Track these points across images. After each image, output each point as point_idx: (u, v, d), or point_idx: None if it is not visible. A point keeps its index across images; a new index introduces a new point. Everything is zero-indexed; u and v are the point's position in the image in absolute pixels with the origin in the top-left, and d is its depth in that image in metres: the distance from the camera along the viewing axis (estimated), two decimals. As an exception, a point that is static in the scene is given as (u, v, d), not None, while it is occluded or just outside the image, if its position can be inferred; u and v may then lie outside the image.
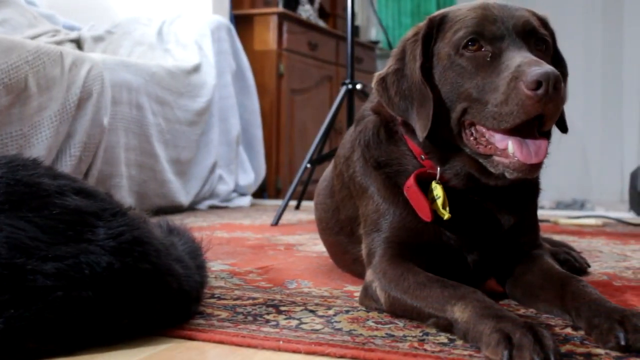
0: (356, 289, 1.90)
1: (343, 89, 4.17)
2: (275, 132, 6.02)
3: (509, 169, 1.51)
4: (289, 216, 4.22)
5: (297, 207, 4.79)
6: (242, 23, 5.97)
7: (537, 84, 1.41)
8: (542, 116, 1.47)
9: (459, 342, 1.37)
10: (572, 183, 8.01)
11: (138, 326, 1.38)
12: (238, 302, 1.72)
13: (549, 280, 1.63)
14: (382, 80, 1.69)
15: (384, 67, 1.73)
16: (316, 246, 2.80)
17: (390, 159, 1.75)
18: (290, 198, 3.96)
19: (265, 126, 5.73)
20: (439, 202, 1.65)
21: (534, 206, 1.81)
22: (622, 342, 1.30)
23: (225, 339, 1.39)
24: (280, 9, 6.14)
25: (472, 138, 1.58)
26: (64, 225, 1.31)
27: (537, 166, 1.50)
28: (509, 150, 1.51)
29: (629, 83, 7.91)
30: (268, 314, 1.60)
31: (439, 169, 1.67)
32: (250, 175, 5.37)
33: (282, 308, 1.66)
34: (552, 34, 1.69)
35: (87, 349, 1.31)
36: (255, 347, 1.36)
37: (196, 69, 4.71)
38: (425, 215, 1.64)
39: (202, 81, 4.73)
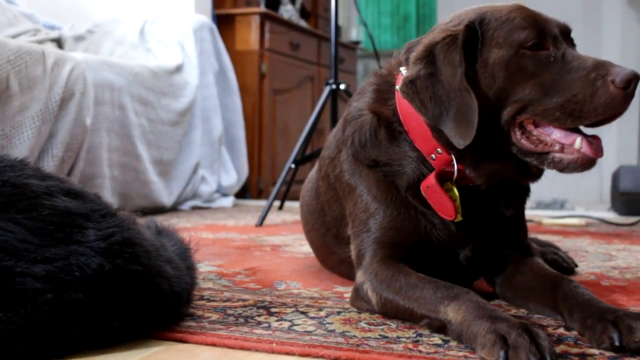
0: (346, 290, 1.89)
1: (327, 89, 4.16)
2: (257, 133, 6.00)
3: (575, 163, 1.51)
4: (273, 216, 4.21)
5: (281, 207, 4.77)
6: (224, 23, 5.94)
7: (628, 83, 1.44)
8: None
9: (454, 343, 1.37)
10: (551, 183, 8.05)
11: (129, 329, 1.36)
12: (228, 303, 1.71)
13: (540, 280, 1.63)
14: (412, 83, 1.60)
15: (410, 71, 1.63)
16: (302, 247, 2.79)
17: (391, 159, 1.71)
18: (274, 199, 3.94)
19: (247, 126, 5.71)
20: (456, 204, 1.63)
21: (523, 207, 1.81)
22: (617, 343, 1.30)
23: (217, 342, 1.38)
24: (262, 8, 6.11)
25: (523, 138, 1.55)
26: (53, 226, 1.29)
27: (595, 162, 1.53)
28: (576, 145, 1.51)
29: (608, 83, 7.96)
30: (259, 315, 1.58)
31: (455, 168, 1.63)
32: (233, 175, 5.34)
33: (273, 310, 1.64)
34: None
35: (77, 353, 1.29)
36: (248, 349, 1.35)
37: (179, 69, 4.68)
38: (448, 214, 1.62)
39: (184, 81, 4.70)
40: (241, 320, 1.54)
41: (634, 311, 1.37)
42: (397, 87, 1.68)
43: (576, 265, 2.24)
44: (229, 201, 5.19)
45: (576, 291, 1.50)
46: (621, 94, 1.44)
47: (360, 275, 1.66)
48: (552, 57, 1.53)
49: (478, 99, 1.53)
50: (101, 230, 1.33)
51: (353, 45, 8.13)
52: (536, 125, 1.54)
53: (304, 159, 4.20)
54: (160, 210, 4.45)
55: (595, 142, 1.52)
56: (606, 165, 7.93)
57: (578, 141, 1.51)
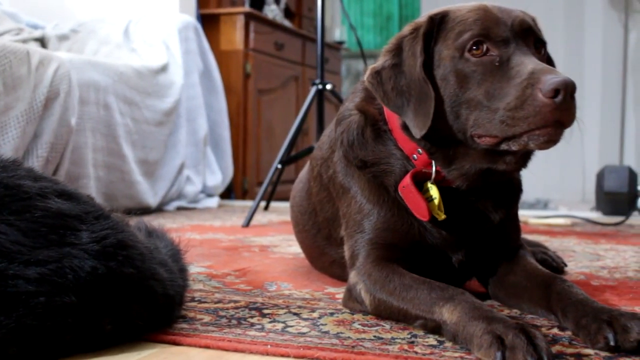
0: (337, 291, 1.88)
1: (313, 89, 4.15)
2: (242, 133, 5.98)
3: (535, 135, 1.45)
4: (259, 217, 4.19)
5: (266, 207, 4.76)
6: (208, 22, 5.91)
7: (555, 92, 1.40)
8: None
9: (449, 344, 1.37)
10: (534, 183, 8.09)
11: (122, 332, 1.35)
12: (220, 305, 1.70)
13: (533, 280, 1.64)
14: (377, 73, 1.65)
15: (378, 62, 1.68)
16: (291, 247, 2.78)
17: (378, 158, 1.72)
18: (262, 199, 3.92)
19: (231, 127, 5.69)
20: (435, 202, 1.63)
21: (516, 206, 1.81)
22: (612, 343, 1.30)
23: (211, 344, 1.37)
24: (247, 8, 6.10)
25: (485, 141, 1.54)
26: (47, 228, 1.27)
27: (561, 131, 1.47)
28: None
29: (589, 84, 8.00)
30: (252, 317, 1.57)
31: (433, 169, 1.64)
32: (218, 175, 5.32)
33: (266, 311, 1.63)
34: (541, 32, 1.69)
35: (70, 356, 1.27)
36: (242, 351, 1.34)
37: (164, 68, 4.66)
38: (422, 214, 1.62)
39: (169, 81, 4.67)
40: (234, 321, 1.53)
41: (629, 311, 1.37)
42: (364, 78, 1.69)
43: (565, 265, 2.25)
44: (214, 202, 5.17)
45: (570, 291, 1.50)
46: (550, 103, 1.40)
47: (353, 276, 1.66)
48: (497, 62, 1.52)
49: (436, 93, 1.56)
50: (95, 233, 1.32)
51: (337, 46, 8.13)
52: None
53: (291, 159, 4.19)
54: (146, 211, 4.42)
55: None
56: (589, 166, 7.99)
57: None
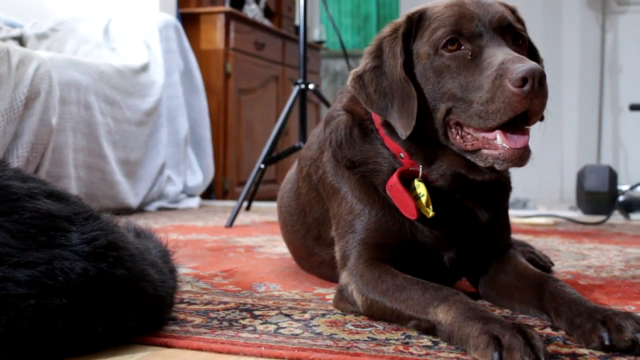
0: (327, 292, 1.87)
1: (295, 89, 4.13)
2: (222, 133, 5.95)
3: (499, 159, 1.49)
4: (241, 217, 4.17)
5: (248, 208, 4.73)
6: (188, 22, 5.87)
7: (523, 81, 1.41)
8: (527, 112, 1.46)
9: (444, 345, 1.36)
10: (513, 182, 8.12)
11: (113, 334, 1.32)
12: (209, 306, 1.68)
13: (525, 280, 1.63)
14: (359, 77, 1.66)
15: (359, 66, 1.70)
16: (276, 248, 2.77)
17: (366, 157, 1.72)
18: (244, 199, 3.90)
19: (212, 126, 5.65)
20: (423, 200, 1.63)
21: (505, 205, 1.81)
22: (607, 342, 1.30)
23: (203, 346, 1.35)
24: (228, 7, 6.07)
25: (458, 137, 1.56)
26: (36, 230, 1.25)
27: (526, 155, 1.49)
28: (497, 141, 1.49)
29: (567, 85, 8.06)
30: (243, 318, 1.56)
31: (421, 167, 1.65)
32: (199, 175, 5.29)
33: (257, 312, 1.62)
34: (523, 24, 1.69)
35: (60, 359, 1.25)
36: (236, 353, 1.32)
37: (145, 68, 4.62)
38: (410, 213, 1.62)
39: (150, 80, 4.63)
40: (225, 323, 1.51)
41: (622, 310, 1.37)
42: (348, 82, 1.69)
43: (553, 264, 2.26)
44: (195, 202, 5.13)
45: (563, 290, 1.50)
46: (518, 92, 1.41)
47: (345, 277, 1.64)
48: (470, 56, 1.53)
49: (418, 92, 1.57)
50: (85, 234, 1.30)
51: (317, 45, 8.12)
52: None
53: (274, 159, 4.17)
54: (127, 211, 4.37)
55: (514, 136, 1.49)
56: (567, 165, 8.06)
57: (498, 137, 1.50)
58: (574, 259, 2.54)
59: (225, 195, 5.97)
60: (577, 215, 4.52)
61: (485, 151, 1.52)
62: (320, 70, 8.36)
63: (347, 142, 1.75)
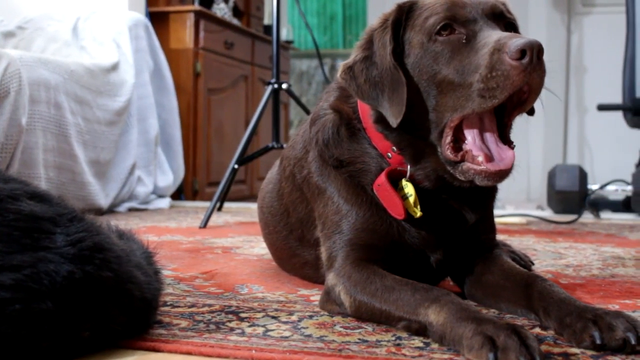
0: (311, 293, 1.85)
1: (268, 89, 4.11)
2: (192, 133, 5.88)
3: (480, 175, 1.50)
4: (214, 218, 4.12)
5: (220, 208, 4.69)
6: (157, 21, 5.79)
7: (521, 53, 1.39)
8: (524, 94, 1.47)
9: (435, 346, 1.35)
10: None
11: (100, 338, 1.29)
12: (194, 309, 1.65)
13: (512, 280, 1.63)
14: (350, 69, 1.65)
15: (349, 58, 1.69)
16: (253, 249, 2.74)
17: (353, 157, 1.71)
18: (218, 200, 3.87)
19: (181, 126, 5.58)
20: (411, 200, 1.62)
21: (491, 206, 1.81)
22: (598, 341, 1.30)
23: (193, 350, 1.32)
24: (197, 6, 6.00)
25: (448, 140, 1.54)
26: (19, 232, 1.21)
27: (506, 173, 1.50)
28: (479, 159, 1.50)
29: (534, 84, 8.13)
30: (230, 321, 1.53)
31: (409, 167, 1.64)
32: (169, 176, 5.23)
33: (243, 315, 1.59)
34: (514, 17, 1.69)
35: (46, 365, 1.21)
36: (226, 357, 1.30)
37: (115, 67, 4.55)
38: (397, 213, 1.61)
39: (121, 80, 4.56)
40: (212, 326, 1.49)
41: (613, 310, 1.38)
42: (338, 76, 1.68)
43: (533, 264, 2.27)
44: (165, 202, 5.07)
45: (551, 290, 1.50)
46: (517, 65, 1.40)
47: (332, 278, 1.63)
48: (464, 39, 1.52)
49: (410, 83, 1.56)
50: (70, 235, 1.26)
51: (286, 45, 8.09)
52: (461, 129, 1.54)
53: (247, 159, 4.14)
54: (97, 212, 4.31)
55: (495, 155, 1.51)
56: (533, 165, 8.13)
57: (480, 157, 1.50)
58: (552, 258, 2.55)
59: (195, 195, 5.92)
60: (548, 214, 4.56)
61: (466, 165, 1.52)
62: (289, 70, 8.34)
63: (334, 141, 1.73)
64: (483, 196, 1.75)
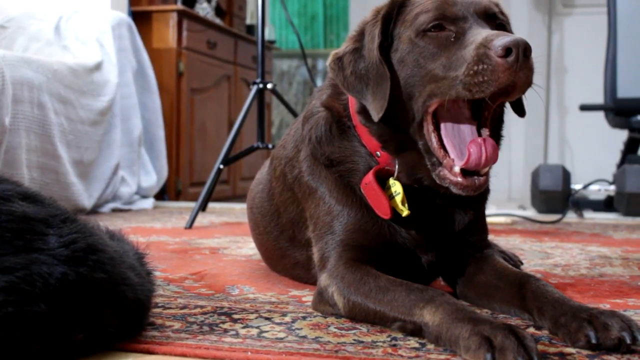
0: (302, 294, 1.84)
1: (254, 89, 4.09)
2: (175, 133, 5.85)
3: (456, 187, 1.52)
4: (199, 218, 4.09)
5: (204, 209, 4.66)
6: (140, 20, 5.75)
7: (507, 51, 1.39)
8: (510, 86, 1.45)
9: (431, 346, 1.34)
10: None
11: (93, 341, 1.27)
12: (186, 311, 1.64)
13: (505, 280, 1.63)
14: (339, 59, 1.66)
15: (340, 48, 1.71)
16: (241, 250, 2.73)
17: (344, 155, 1.71)
18: (203, 200, 3.84)
19: (164, 127, 5.55)
20: (398, 198, 1.62)
21: (483, 206, 1.81)
22: (593, 341, 1.30)
23: (187, 352, 1.31)
24: (180, 6, 5.97)
25: (434, 134, 1.54)
26: (11, 233, 1.19)
27: (481, 185, 1.52)
28: (455, 169, 1.51)
29: (515, 85, 8.17)
30: (223, 322, 1.52)
31: (397, 166, 1.64)
32: (153, 176, 5.20)
33: (235, 316, 1.58)
34: (507, 19, 1.69)
35: (39, 369, 1.20)
36: (222, 359, 1.29)
37: (98, 66, 4.51)
38: (384, 212, 1.61)
39: (104, 79, 4.53)
40: (206, 328, 1.47)
41: (607, 309, 1.38)
42: (327, 63, 1.70)
43: (522, 263, 2.27)
44: (149, 203, 5.04)
45: (545, 289, 1.50)
46: (502, 62, 1.40)
47: (325, 279, 1.62)
48: (453, 37, 1.52)
49: (392, 77, 1.57)
50: (63, 237, 1.24)
51: (269, 45, 8.07)
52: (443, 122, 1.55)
53: (232, 159, 4.12)
54: (80, 213, 4.26)
55: (474, 158, 1.50)
56: (515, 165, 8.17)
57: (456, 167, 1.51)
58: (539, 257, 2.56)
59: (178, 196, 5.89)
60: (532, 214, 4.58)
61: (443, 172, 1.53)
62: (272, 70, 8.32)
63: (326, 139, 1.74)
64: (475, 198, 1.75)
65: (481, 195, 1.78)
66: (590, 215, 4.59)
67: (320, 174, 1.73)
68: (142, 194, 5.10)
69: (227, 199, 6.42)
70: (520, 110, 1.76)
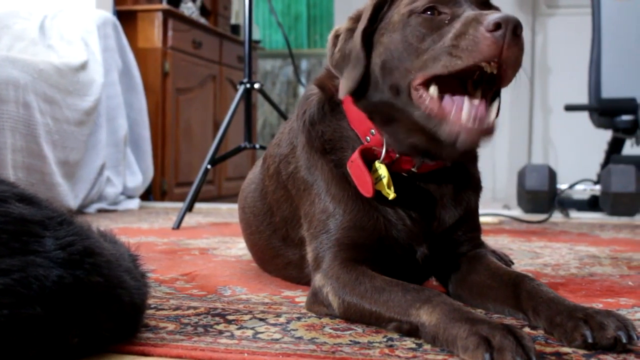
0: (295, 294, 1.84)
1: (241, 89, 4.08)
2: (160, 133, 5.83)
3: (466, 134, 1.47)
4: (185, 219, 4.06)
5: (190, 209, 4.64)
6: (125, 19, 5.71)
7: (497, 26, 1.39)
8: (500, 68, 1.45)
9: (428, 347, 1.35)
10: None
11: (89, 344, 1.26)
12: (179, 312, 1.63)
13: (499, 279, 1.64)
14: (336, 36, 1.73)
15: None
16: (230, 250, 2.72)
17: (334, 139, 1.73)
18: (191, 200, 3.83)
19: (150, 127, 5.52)
20: (384, 181, 1.62)
21: (476, 204, 1.82)
22: (590, 340, 1.31)
23: (183, 354, 1.30)
24: (165, 5, 5.94)
25: (421, 100, 1.53)
26: (8, 235, 1.18)
27: (488, 132, 1.49)
28: (463, 117, 1.47)
29: (499, 85, 8.21)
30: (217, 324, 1.51)
31: (384, 149, 1.64)
32: (138, 176, 5.17)
33: (229, 317, 1.58)
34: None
35: (35, 372, 1.18)
36: (218, 361, 1.28)
37: (84, 66, 4.48)
38: (366, 190, 1.61)
39: (90, 79, 4.49)
40: (200, 329, 1.47)
41: (603, 309, 1.39)
42: (328, 37, 1.76)
43: (512, 263, 2.28)
44: (135, 203, 5.01)
45: (540, 289, 1.51)
46: (489, 36, 1.39)
47: (319, 279, 1.62)
48: (447, 20, 1.52)
49: (377, 59, 1.61)
50: (59, 239, 1.23)
51: (254, 45, 8.05)
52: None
53: (220, 159, 4.11)
54: (66, 213, 4.24)
55: (474, 109, 1.49)
56: (499, 165, 8.21)
57: (464, 114, 1.48)
58: (529, 257, 2.58)
59: (163, 196, 5.86)
60: (519, 213, 4.60)
61: (449, 127, 1.49)
62: (258, 69, 8.31)
63: (319, 117, 1.77)
64: (467, 192, 1.76)
65: (473, 191, 1.78)
66: (575, 214, 4.62)
67: (316, 164, 1.72)
68: (127, 194, 5.07)
69: (213, 199, 6.40)
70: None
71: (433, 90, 1.51)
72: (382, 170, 1.64)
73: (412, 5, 1.57)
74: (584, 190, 5.00)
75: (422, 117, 1.54)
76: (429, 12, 1.54)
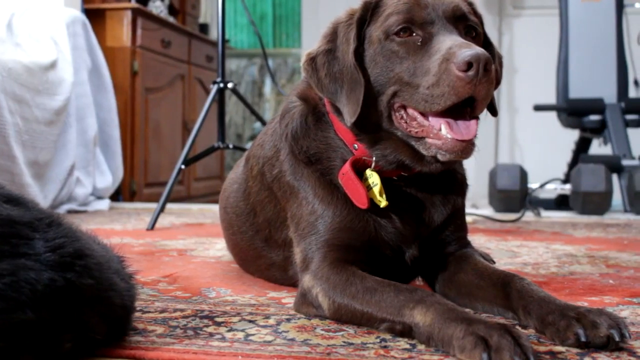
0: (281, 295, 1.83)
1: (214, 88, 4.05)
2: (129, 133, 5.76)
3: (442, 150, 1.51)
4: (158, 219, 4.03)
5: (162, 209, 4.59)
6: (93, 18, 5.61)
7: (468, 65, 1.42)
8: (474, 100, 1.47)
9: (422, 347, 1.34)
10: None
11: (80, 348, 1.24)
12: (166, 314, 1.60)
13: (487, 279, 1.64)
14: (312, 60, 1.68)
15: (313, 48, 1.71)
16: (209, 251, 2.69)
17: (319, 151, 1.72)
18: (165, 201, 3.79)
19: (119, 126, 5.45)
20: (376, 189, 1.62)
21: (463, 202, 1.82)
22: (583, 339, 1.32)
23: (175, 357, 1.29)
24: (134, 4, 5.87)
25: (402, 121, 1.57)
26: (-4, 238, 1.15)
27: (469, 146, 1.50)
28: (442, 131, 1.50)
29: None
30: (206, 326, 1.49)
31: (374, 158, 1.64)
32: (108, 177, 5.09)
33: (218, 319, 1.56)
34: (480, 19, 1.70)
35: (26, 378, 1.15)
36: (212, 364, 1.26)
37: (53, 65, 4.40)
38: (361, 202, 1.61)
39: (59, 78, 4.42)
40: (190, 332, 1.45)
41: (594, 307, 1.39)
42: (301, 63, 1.71)
43: (494, 262, 2.28)
44: (105, 204, 4.93)
45: (530, 288, 1.51)
46: (463, 77, 1.43)
47: (308, 280, 1.60)
48: (420, 42, 1.55)
49: (366, 76, 1.60)
50: (49, 241, 1.21)
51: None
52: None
53: (193, 159, 4.07)
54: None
55: (458, 126, 1.51)
56: (466, 164, 8.24)
57: (443, 128, 1.51)
58: (507, 256, 2.59)
59: (133, 196, 5.79)
60: (491, 213, 4.63)
61: (429, 140, 1.54)
62: (228, 68, 8.26)
63: (302, 132, 1.75)
64: (453, 192, 1.76)
65: (459, 190, 1.79)
66: (546, 214, 4.66)
67: (302, 172, 1.72)
68: (97, 195, 5.00)
69: (182, 200, 6.35)
70: (492, 110, 1.78)
71: (412, 111, 1.55)
72: (374, 177, 1.64)
73: (386, 23, 1.58)
74: (555, 190, 5.05)
75: (405, 136, 1.58)
76: (402, 32, 1.56)
